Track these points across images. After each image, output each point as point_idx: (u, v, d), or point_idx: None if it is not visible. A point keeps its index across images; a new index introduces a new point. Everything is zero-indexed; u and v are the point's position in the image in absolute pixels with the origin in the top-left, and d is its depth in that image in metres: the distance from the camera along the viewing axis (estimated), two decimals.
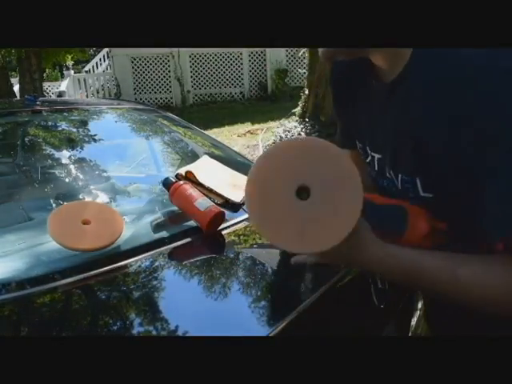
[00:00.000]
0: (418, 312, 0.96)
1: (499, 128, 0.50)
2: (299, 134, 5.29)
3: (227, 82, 9.81)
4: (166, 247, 0.96)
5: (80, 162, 1.49)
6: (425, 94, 0.57)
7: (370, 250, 0.57)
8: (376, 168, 0.70)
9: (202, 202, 1.00)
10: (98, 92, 9.82)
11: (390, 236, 0.61)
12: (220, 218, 1.01)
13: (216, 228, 1.02)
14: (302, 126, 5.54)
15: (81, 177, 1.43)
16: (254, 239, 1.06)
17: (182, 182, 1.06)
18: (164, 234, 1.02)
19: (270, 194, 0.55)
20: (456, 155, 0.54)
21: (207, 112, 8.34)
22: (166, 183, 1.08)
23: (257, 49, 9.46)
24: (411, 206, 0.64)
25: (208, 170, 1.25)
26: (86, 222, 0.92)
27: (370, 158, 0.72)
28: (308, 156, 0.55)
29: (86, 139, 1.62)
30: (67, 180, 1.40)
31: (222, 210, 1.02)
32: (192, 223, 1.04)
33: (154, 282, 0.86)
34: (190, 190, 1.04)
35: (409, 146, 0.61)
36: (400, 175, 0.64)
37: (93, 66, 10.57)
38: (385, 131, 0.66)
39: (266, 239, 0.56)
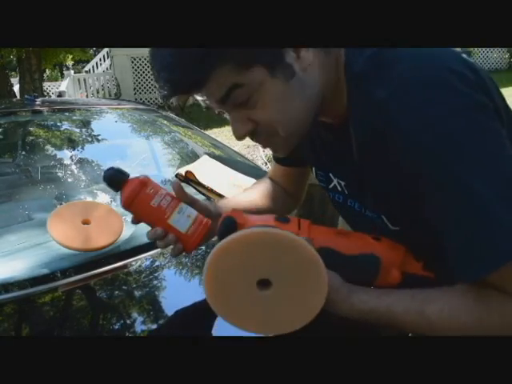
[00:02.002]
0: None
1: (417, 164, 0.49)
2: None
3: None
4: None
5: (80, 161, 1.49)
6: (361, 139, 0.56)
7: (340, 306, 0.56)
8: (346, 192, 0.69)
9: (180, 219, 0.66)
10: (98, 92, 9.82)
11: (361, 284, 0.59)
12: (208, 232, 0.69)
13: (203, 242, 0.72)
14: None
15: (81, 177, 1.43)
16: None
17: (139, 178, 0.66)
18: None
19: (230, 290, 0.54)
20: (402, 192, 0.54)
21: (207, 112, 8.30)
22: (112, 178, 0.67)
23: None
24: (385, 248, 0.61)
25: (208, 170, 1.25)
26: (86, 222, 0.92)
27: (334, 183, 0.70)
28: (265, 250, 0.52)
29: (86, 139, 1.62)
30: (67, 180, 1.40)
31: (207, 222, 0.69)
32: None
33: (154, 282, 0.86)
34: (156, 197, 0.66)
35: (367, 185, 0.61)
36: (367, 211, 0.64)
37: (93, 66, 10.56)
38: (345, 169, 0.65)
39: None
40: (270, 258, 0.52)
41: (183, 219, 0.65)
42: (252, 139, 0.58)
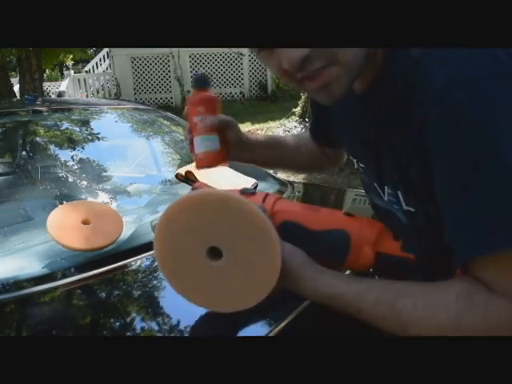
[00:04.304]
0: None
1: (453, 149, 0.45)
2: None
3: (227, 82, 9.80)
4: None
5: (80, 161, 1.49)
6: (394, 107, 0.54)
7: (303, 286, 0.54)
8: (366, 175, 0.69)
9: (199, 143, 0.78)
10: (98, 92, 9.81)
11: (331, 263, 0.56)
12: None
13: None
14: (301, 125, 5.55)
15: (81, 177, 1.43)
16: None
17: (204, 95, 0.79)
18: None
19: (180, 258, 0.51)
20: (423, 170, 0.50)
21: None
22: (198, 81, 0.81)
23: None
24: (357, 224, 0.57)
25: (208, 170, 1.25)
26: (86, 222, 0.92)
27: (357, 166, 0.71)
28: (210, 213, 0.49)
29: (86, 139, 1.62)
30: (67, 180, 1.40)
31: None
32: None
33: (154, 282, 0.86)
34: (200, 116, 0.78)
35: (389, 158, 0.58)
36: (386, 187, 0.62)
37: (93, 66, 10.56)
38: (363, 143, 0.64)
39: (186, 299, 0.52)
40: (216, 223, 0.49)
41: (201, 145, 0.78)
42: (303, 68, 0.51)
